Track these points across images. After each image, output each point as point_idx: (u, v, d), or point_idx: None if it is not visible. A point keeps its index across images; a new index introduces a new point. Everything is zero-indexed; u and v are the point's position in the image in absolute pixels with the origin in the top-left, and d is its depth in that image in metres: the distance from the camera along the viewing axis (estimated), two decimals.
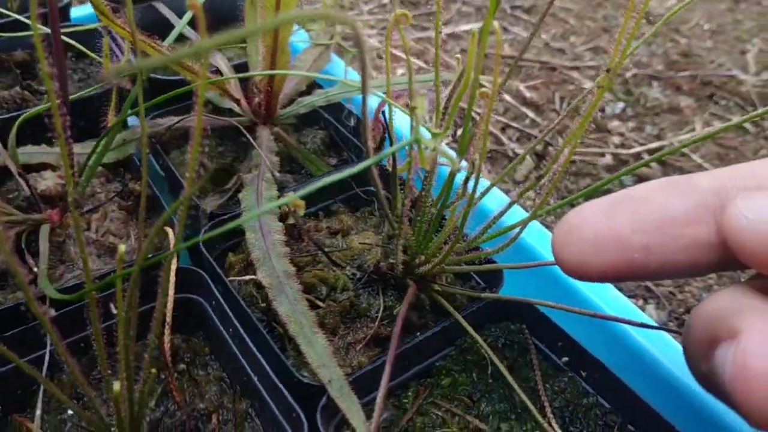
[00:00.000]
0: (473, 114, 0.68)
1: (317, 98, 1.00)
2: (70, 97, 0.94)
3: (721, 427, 0.71)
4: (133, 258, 0.83)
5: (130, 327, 0.62)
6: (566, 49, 1.82)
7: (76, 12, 1.29)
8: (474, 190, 0.68)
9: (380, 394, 0.60)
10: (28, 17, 1.09)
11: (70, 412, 0.74)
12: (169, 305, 0.76)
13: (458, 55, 0.76)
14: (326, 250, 0.83)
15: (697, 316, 0.42)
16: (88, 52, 0.98)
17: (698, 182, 0.44)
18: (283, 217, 0.86)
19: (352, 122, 1.04)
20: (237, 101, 0.96)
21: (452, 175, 0.63)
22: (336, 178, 0.47)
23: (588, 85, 1.60)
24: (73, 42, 1.05)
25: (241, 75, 0.95)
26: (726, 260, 0.42)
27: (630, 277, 0.45)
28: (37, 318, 0.56)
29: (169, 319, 0.75)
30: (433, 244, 0.76)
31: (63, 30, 1.00)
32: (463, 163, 0.71)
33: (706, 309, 0.42)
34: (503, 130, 1.53)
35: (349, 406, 0.66)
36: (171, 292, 0.77)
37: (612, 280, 0.48)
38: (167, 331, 0.74)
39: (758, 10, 2.13)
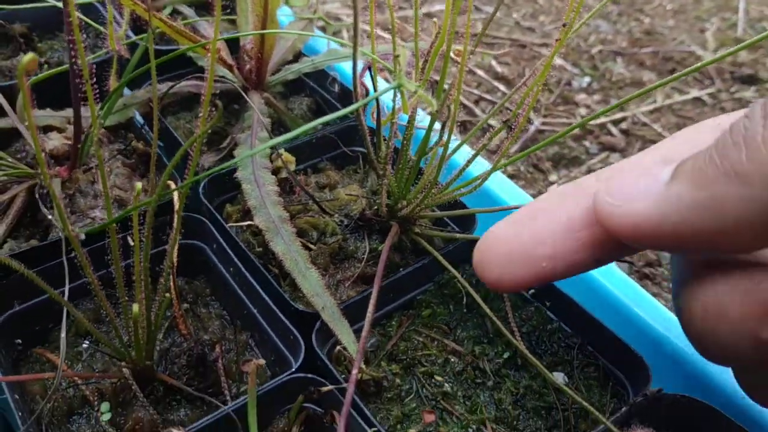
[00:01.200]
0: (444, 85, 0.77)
1: (304, 65, 1.08)
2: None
3: (664, 342, 0.82)
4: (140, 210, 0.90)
5: (147, 254, 0.70)
6: (536, 27, 1.91)
7: None
8: (449, 138, 0.77)
9: (369, 311, 0.69)
10: None
11: (84, 345, 0.81)
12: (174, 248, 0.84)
13: (435, 20, 0.84)
14: (316, 200, 0.91)
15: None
16: (93, 23, 1.05)
17: (586, 187, 0.47)
18: (275, 172, 0.94)
19: (336, 89, 1.12)
20: (230, 67, 1.03)
21: (433, 117, 0.71)
22: (324, 120, 0.55)
23: (557, 60, 1.70)
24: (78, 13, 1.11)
25: (235, 35, 1.02)
26: (624, 247, 0.46)
27: (543, 282, 0.49)
28: (74, 250, 0.63)
29: (174, 261, 0.83)
30: (414, 189, 0.84)
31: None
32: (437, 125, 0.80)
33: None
34: (476, 102, 1.62)
35: (341, 328, 0.75)
36: (175, 236, 0.85)
37: (527, 288, 0.54)
38: (173, 270, 0.82)
39: None
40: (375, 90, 0.92)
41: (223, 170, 0.93)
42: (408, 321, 0.83)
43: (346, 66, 1.18)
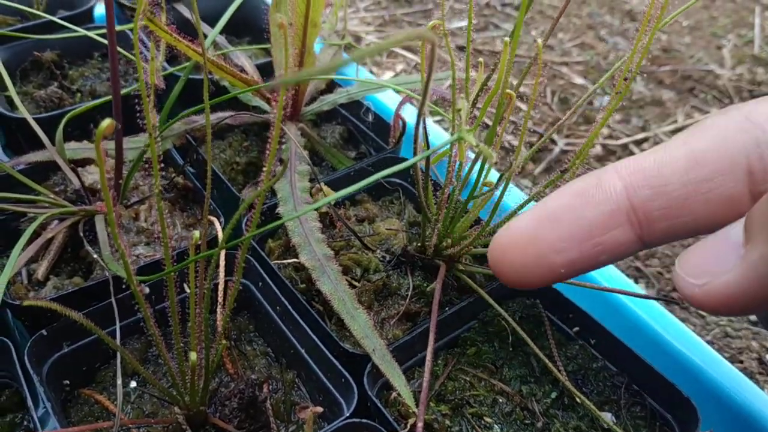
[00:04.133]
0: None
1: (339, 96, 1.08)
2: (105, 96, 1.01)
3: (709, 380, 0.82)
4: (181, 245, 0.90)
5: (204, 302, 0.70)
6: (554, 45, 1.92)
7: (99, 10, 1.34)
8: (506, 187, 0.77)
9: (429, 351, 0.69)
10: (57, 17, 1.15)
11: (132, 384, 0.81)
12: (221, 287, 0.84)
13: (481, 60, 0.84)
14: (360, 237, 0.92)
15: None
16: (126, 53, 1.05)
17: (606, 186, 0.45)
18: None
19: (370, 118, 1.12)
20: (268, 100, 1.03)
21: (488, 165, 0.72)
22: (390, 171, 0.55)
23: (577, 79, 1.70)
24: (101, 40, 1.11)
25: (276, 82, 1.02)
26: (645, 244, 0.45)
27: (556, 282, 0.50)
28: (133, 296, 0.63)
29: (221, 299, 0.83)
30: (457, 229, 0.85)
31: (92, 32, 1.07)
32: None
33: None
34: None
35: (392, 372, 0.75)
36: (222, 274, 0.85)
37: (542, 286, 0.52)
38: (220, 309, 0.82)
39: (732, 6, 2.24)
40: (420, 128, 0.92)
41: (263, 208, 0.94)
42: (453, 360, 0.83)
43: (378, 95, 1.19)
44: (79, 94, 1.15)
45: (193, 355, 0.66)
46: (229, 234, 0.67)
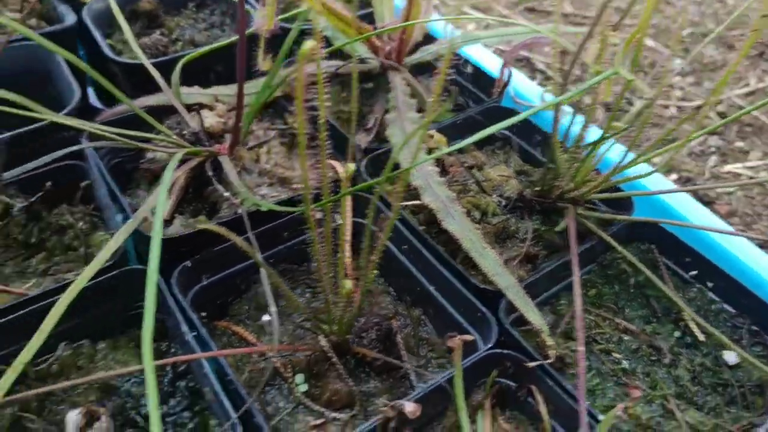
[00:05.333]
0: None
1: (441, 47, 1.09)
2: (214, 44, 1.02)
3: None
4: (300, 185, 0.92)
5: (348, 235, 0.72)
6: (624, 7, 1.91)
7: None
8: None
9: (576, 282, 0.71)
10: None
11: (265, 318, 0.84)
12: (348, 227, 0.86)
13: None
14: (470, 180, 0.93)
15: None
16: None
17: None
18: (428, 152, 0.96)
19: (469, 69, 1.13)
20: (375, 49, 1.05)
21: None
22: (511, 122, 0.56)
23: (648, 41, 1.70)
24: None
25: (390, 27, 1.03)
26: None
27: None
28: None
29: (348, 237, 0.86)
30: (581, 173, 0.86)
31: None
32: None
33: None
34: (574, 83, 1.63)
35: (527, 307, 0.77)
36: (349, 215, 0.87)
37: None
38: (347, 248, 0.84)
39: None
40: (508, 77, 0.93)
41: (378, 152, 0.96)
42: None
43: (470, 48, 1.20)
44: (179, 43, 1.16)
45: (348, 283, 0.69)
46: (351, 174, 0.69)
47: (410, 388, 0.77)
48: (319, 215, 0.69)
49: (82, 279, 0.60)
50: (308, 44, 0.53)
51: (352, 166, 0.69)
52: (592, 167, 0.87)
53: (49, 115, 0.81)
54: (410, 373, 0.78)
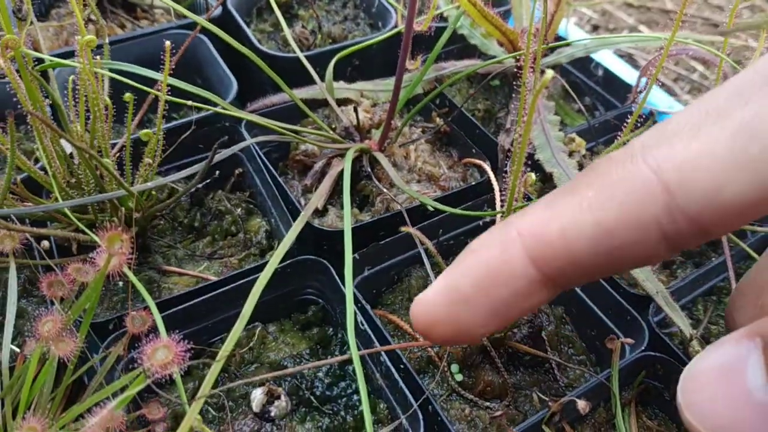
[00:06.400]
0: None
1: (577, 50, 1.12)
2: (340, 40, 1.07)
3: None
4: (450, 185, 0.97)
5: None
6: (724, 5, 1.90)
7: None
8: None
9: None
10: None
11: None
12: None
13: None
14: None
15: None
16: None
17: (512, 262, 0.39)
18: (569, 155, 1.00)
19: (600, 73, 1.16)
20: (516, 48, 1.08)
21: None
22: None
23: (749, 41, 1.69)
24: None
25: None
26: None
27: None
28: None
29: None
30: None
31: None
32: None
33: None
34: (675, 80, 1.64)
35: (675, 313, 0.81)
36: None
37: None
38: None
39: None
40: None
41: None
42: (712, 306, 0.89)
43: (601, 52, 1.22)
44: (320, 36, 1.22)
45: None
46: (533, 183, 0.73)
47: (555, 382, 0.82)
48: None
49: (270, 266, 0.65)
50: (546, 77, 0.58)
51: (533, 176, 0.73)
52: None
53: (220, 104, 0.86)
54: (554, 368, 0.84)
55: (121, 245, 0.61)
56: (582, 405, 0.69)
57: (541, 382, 0.83)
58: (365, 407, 0.61)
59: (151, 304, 0.69)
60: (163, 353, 0.56)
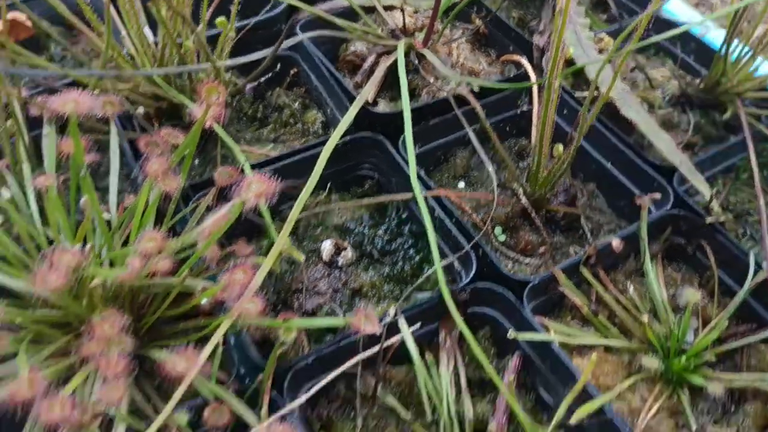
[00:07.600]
0: None
1: None
2: None
3: None
4: (490, 77, 1.06)
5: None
6: None
7: None
8: None
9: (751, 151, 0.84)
10: None
11: (461, 185, 0.99)
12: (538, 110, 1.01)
13: None
14: (639, 78, 1.06)
15: None
16: None
17: None
18: (599, 52, 1.08)
19: None
20: None
21: None
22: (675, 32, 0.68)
23: None
24: None
25: None
26: None
27: None
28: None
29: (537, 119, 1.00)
30: (742, 71, 0.98)
31: None
32: None
33: None
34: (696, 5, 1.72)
35: (697, 179, 0.91)
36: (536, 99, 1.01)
37: None
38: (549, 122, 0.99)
39: None
40: None
41: None
42: (730, 182, 0.98)
43: None
44: None
45: (560, 147, 0.83)
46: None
47: (587, 243, 0.92)
48: None
49: (334, 138, 0.74)
50: None
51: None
52: (750, 75, 0.99)
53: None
54: (587, 231, 0.93)
55: (218, 96, 0.71)
56: (616, 243, 0.79)
57: (575, 242, 0.93)
58: (429, 231, 0.71)
59: (240, 156, 0.80)
60: (257, 186, 0.66)
